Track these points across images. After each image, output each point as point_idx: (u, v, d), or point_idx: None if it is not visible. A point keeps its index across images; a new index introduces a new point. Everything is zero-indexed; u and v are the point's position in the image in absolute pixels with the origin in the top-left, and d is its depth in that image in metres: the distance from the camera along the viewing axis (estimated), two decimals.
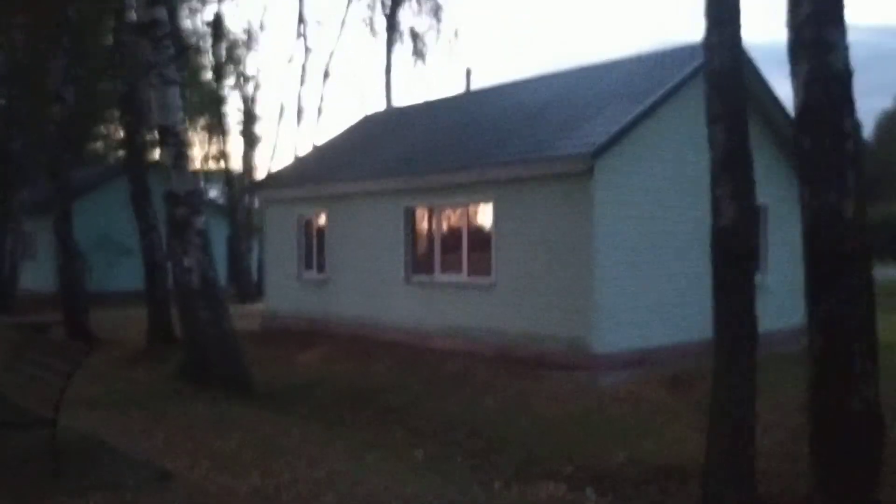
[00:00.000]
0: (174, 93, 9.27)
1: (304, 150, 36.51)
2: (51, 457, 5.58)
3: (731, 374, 4.99)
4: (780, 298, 12.43)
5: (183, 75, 12.50)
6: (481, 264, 12.59)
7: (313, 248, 16.21)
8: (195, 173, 9.27)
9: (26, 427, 5.63)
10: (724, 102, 5.07)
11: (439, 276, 13.38)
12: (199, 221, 9.42)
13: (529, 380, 10.54)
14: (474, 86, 21.63)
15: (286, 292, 16.59)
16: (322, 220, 15.97)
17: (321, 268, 15.88)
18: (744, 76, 5.39)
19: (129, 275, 26.54)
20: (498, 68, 69.36)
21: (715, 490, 5.10)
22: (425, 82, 50.39)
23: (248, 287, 29.07)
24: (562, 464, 7.39)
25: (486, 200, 12.52)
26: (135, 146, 14.26)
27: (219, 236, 31.49)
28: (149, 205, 14.60)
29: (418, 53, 29.03)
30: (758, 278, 6.46)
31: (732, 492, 4.98)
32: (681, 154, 11.89)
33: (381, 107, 28.11)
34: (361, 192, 14.69)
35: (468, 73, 23.64)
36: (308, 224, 16.39)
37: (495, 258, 12.23)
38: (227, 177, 29.30)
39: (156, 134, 9.33)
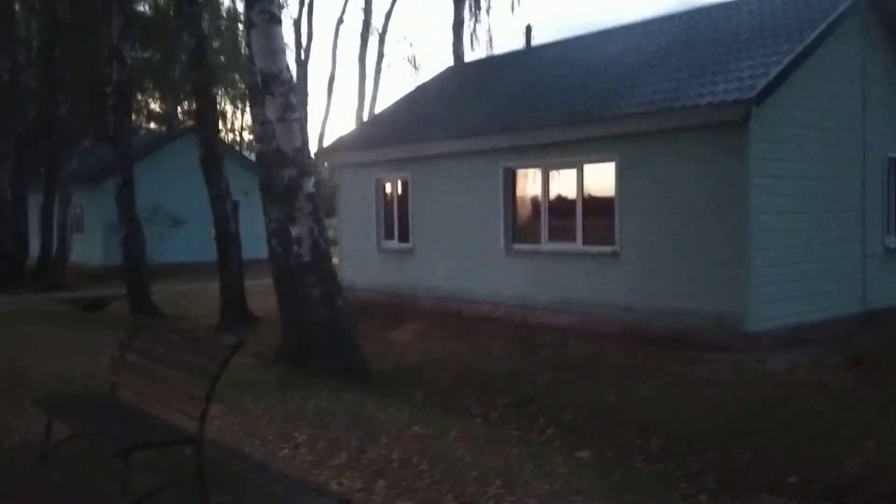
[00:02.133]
0: (278, 33, 7.94)
1: (365, 113, 35.17)
2: (196, 481, 4.36)
3: None
4: None
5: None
6: (600, 231, 11.21)
7: (394, 215, 14.92)
8: (303, 128, 7.91)
9: (166, 445, 4.40)
10: None
11: (547, 245, 12.03)
12: (310, 184, 8.12)
13: (677, 362, 9.20)
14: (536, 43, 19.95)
15: (364, 264, 15.36)
16: (404, 184, 14.65)
17: (404, 237, 14.61)
18: None
19: (181, 246, 25.56)
20: (559, 27, 66.65)
21: None
22: (488, 40, 48.38)
23: None
24: (777, 471, 6.06)
25: (606, 159, 11.10)
26: (205, 105, 12.96)
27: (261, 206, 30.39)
28: (220, 170, 13.38)
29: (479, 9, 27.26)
30: None
31: None
32: (842, 102, 10.35)
33: (444, 66, 26.54)
34: (451, 152, 13.32)
35: (528, 30, 21.94)
36: (388, 190, 15.08)
37: (619, 224, 10.85)
38: None
39: (259, 82, 7.98)
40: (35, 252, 25.18)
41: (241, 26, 27.05)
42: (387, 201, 15.08)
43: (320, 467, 5.30)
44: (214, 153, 13.18)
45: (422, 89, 17.43)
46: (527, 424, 7.82)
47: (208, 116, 13.08)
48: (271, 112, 7.94)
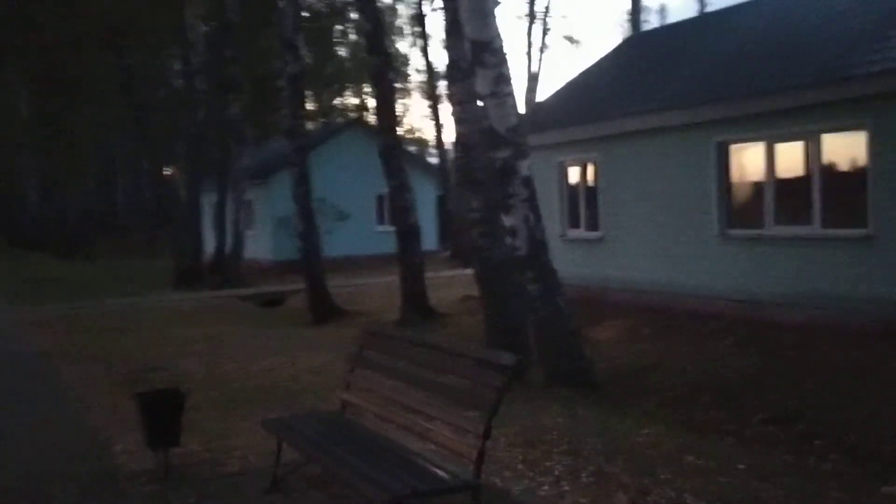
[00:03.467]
0: None
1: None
2: None
3: None
4: None
5: None
6: (846, 211, 9.49)
7: (579, 201, 13.72)
8: (516, 103, 6.91)
9: (443, 493, 3.49)
10: None
11: (773, 229, 10.41)
12: (525, 166, 7.12)
13: None
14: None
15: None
16: (591, 167, 13.41)
17: (592, 225, 13.38)
18: None
19: (345, 240, 25.58)
20: None
21: None
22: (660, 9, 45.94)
23: (464, 250, 27.28)
24: None
25: (852, 126, 9.36)
26: (383, 91, 12.33)
27: (427, 197, 30.01)
28: (400, 160, 12.74)
29: None
30: None
31: None
32: None
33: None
34: (648, 128, 11.93)
35: None
36: (572, 174, 13.90)
37: (873, 203, 9.09)
38: (437, 129, 27.39)
39: (468, 52, 7.05)
40: (210, 249, 26.05)
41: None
42: (571, 186, 13.90)
43: None
44: (394, 142, 12.55)
45: (600, 65, 16.06)
46: (798, 447, 6.46)
47: (386, 104, 12.43)
48: (483, 86, 6.99)
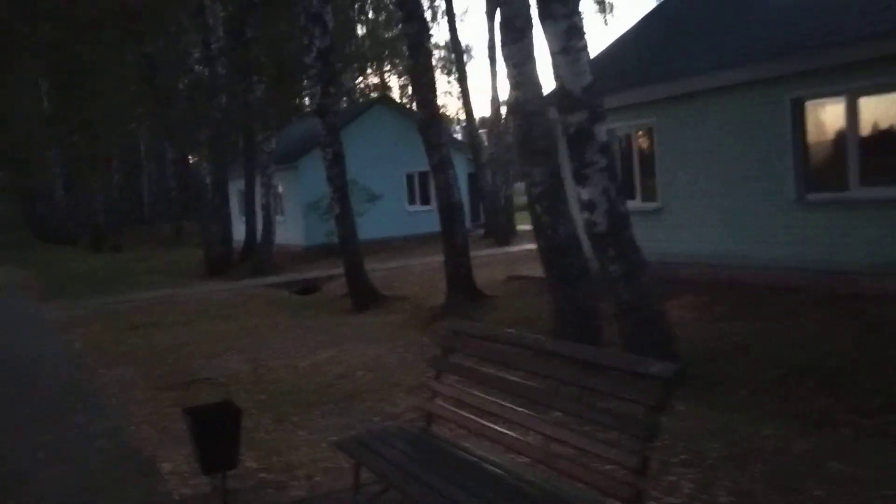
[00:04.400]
0: None
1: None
2: None
3: None
4: None
5: None
6: None
7: (634, 170, 12.82)
8: (589, 61, 6.04)
9: None
10: None
11: (858, 191, 9.47)
12: (602, 131, 6.28)
13: None
14: None
15: None
16: (647, 132, 12.49)
17: (649, 195, 12.48)
18: None
19: (376, 222, 24.86)
20: None
21: None
22: None
23: (499, 228, 26.52)
24: None
25: None
26: (422, 62, 11.48)
27: (459, 175, 29.09)
28: (440, 135, 11.92)
29: None
30: None
31: None
32: None
33: None
34: (711, 87, 10.97)
35: None
36: (625, 140, 12.98)
37: None
38: (465, 105, 26.41)
39: (523, 9, 6.20)
40: (238, 237, 25.48)
41: None
42: (623, 155, 12.98)
43: None
44: (434, 115, 11.72)
45: (649, 19, 15.03)
46: None
47: (425, 75, 11.59)
48: (553, 42, 6.14)
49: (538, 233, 7.78)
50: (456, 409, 3.95)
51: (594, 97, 6.24)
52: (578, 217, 6.91)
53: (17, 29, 24.38)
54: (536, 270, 15.71)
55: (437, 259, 20.88)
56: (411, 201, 27.96)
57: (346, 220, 14.34)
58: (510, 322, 10.50)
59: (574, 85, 6.15)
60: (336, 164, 14.10)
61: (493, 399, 3.67)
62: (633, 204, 12.77)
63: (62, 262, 31.22)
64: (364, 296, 14.22)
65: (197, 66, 24.41)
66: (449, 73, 44.45)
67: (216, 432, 4.28)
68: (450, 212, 12.27)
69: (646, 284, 6.44)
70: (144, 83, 22.80)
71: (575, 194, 6.57)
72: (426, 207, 28.21)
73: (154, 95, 22.41)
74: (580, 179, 6.37)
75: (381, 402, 6.58)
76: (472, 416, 3.78)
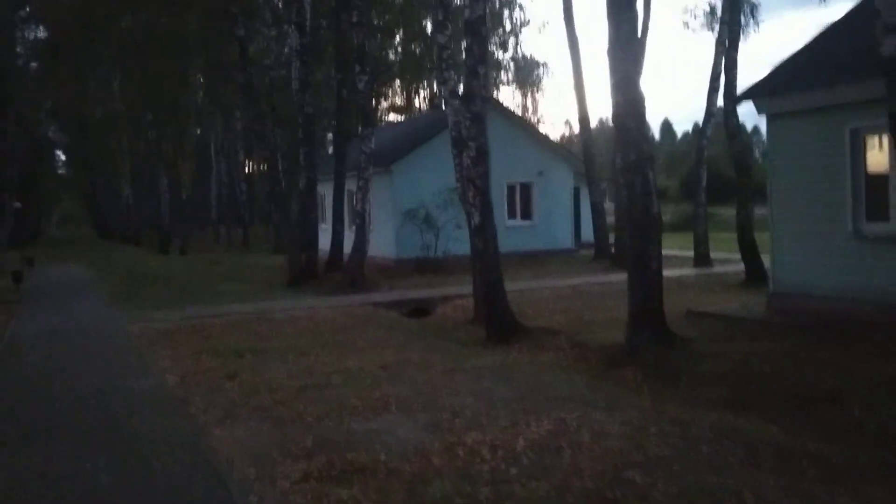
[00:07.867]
0: None
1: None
2: None
3: None
4: None
5: None
6: None
7: (888, 184, 9.85)
8: None
9: None
10: None
11: None
12: None
13: None
14: None
15: (820, 258, 10.44)
16: None
17: None
18: None
19: (463, 237, 22.04)
20: None
21: None
22: None
23: (606, 247, 23.60)
24: None
25: None
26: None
27: (566, 191, 26.28)
28: (643, 125, 9.14)
29: None
30: None
31: None
32: None
33: None
34: None
35: None
36: (872, 145, 10.03)
37: None
38: (580, 110, 23.51)
39: None
40: (323, 245, 22.99)
41: None
42: (868, 163, 10.03)
43: None
44: (636, 101, 8.94)
45: None
46: None
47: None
48: None
49: None
50: None
51: None
52: None
53: (99, 11, 22.57)
54: (712, 304, 12.79)
55: (557, 284, 18.02)
56: (511, 215, 25.17)
57: (486, 230, 11.67)
58: (738, 379, 7.66)
59: None
60: (480, 163, 11.46)
61: None
62: (882, 227, 9.87)
63: (130, 263, 29.32)
64: (502, 326, 11.45)
65: (287, 51, 22.13)
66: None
67: None
68: (645, 227, 9.47)
69: None
70: (233, 70, 20.57)
71: None
72: (527, 222, 25.44)
73: (243, 85, 20.13)
74: None
75: None
76: None
